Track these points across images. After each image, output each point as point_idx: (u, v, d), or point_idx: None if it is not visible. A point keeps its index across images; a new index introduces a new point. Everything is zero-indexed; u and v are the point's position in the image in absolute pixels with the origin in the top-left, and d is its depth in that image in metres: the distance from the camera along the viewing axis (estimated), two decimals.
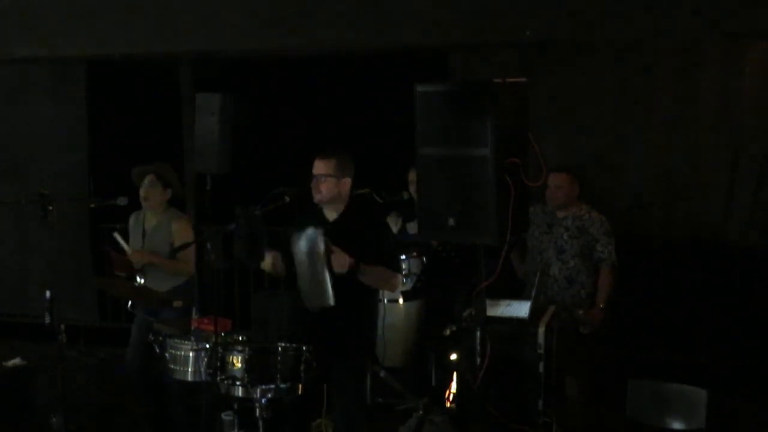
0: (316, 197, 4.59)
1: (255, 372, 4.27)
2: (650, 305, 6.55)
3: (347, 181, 4.62)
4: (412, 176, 5.97)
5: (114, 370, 6.98)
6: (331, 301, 4.38)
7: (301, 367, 4.32)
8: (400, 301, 5.80)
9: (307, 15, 6.95)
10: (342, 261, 4.36)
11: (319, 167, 4.57)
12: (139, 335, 5.51)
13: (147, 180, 5.56)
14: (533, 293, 5.23)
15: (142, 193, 5.57)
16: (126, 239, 5.68)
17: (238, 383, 4.29)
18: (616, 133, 6.82)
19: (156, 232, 5.61)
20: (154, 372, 5.27)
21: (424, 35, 6.77)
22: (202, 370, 4.43)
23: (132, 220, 5.78)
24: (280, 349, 4.31)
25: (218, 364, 4.32)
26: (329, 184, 4.57)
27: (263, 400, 4.31)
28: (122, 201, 5.57)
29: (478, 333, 4.06)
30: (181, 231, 5.56)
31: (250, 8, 7.11)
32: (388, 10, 6.76)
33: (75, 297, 7.75)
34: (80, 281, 7.75)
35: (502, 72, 4.00)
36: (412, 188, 5.90)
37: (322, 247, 4.35)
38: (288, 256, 4.53)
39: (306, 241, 4.37)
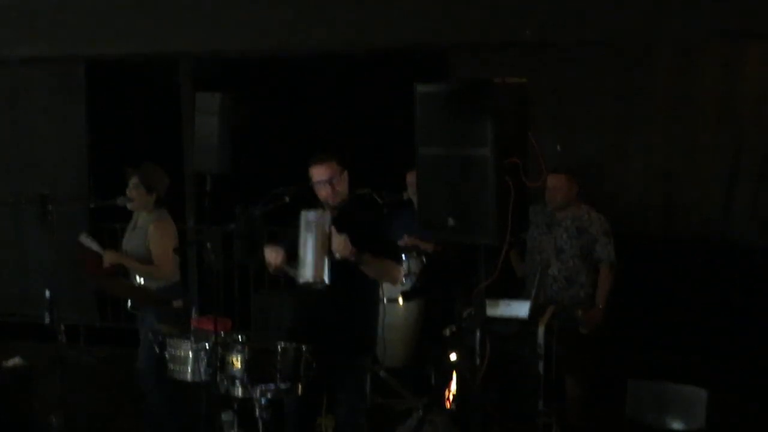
0: (335, 200, 4.55)
1: (255, 372, 4.27)
2: (650, 305, 6.54)
3: (347, 175, 4.63)
4: (410, 178, 5.97)
5: (114, 370, 6.98)
6: (327, 280, 4.33)
7: (301, 367, 4.32)
8: (400, 301, 5.80)
9: (307, 15, 6.95)
10: (343, 244, 4.32)
11: (324, 172, 4.53)
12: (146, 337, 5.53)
13: (131, 182, 5.57)
14: (533, 293, 5.24)
15: (127, 193, 5.58)
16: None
17: (238, 383, 4.29)
18: (616, 133, 6.81)
19: (137, 231, 5.61)
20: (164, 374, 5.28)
21: (424, 35, 6.77)
22: (202, 370, 4.43)
23: (131, 221, 5.79)
24: (280, 349, 4.30)
25: (218, 364, 4.32)
26: (341, 183, 4.57)
27: (263, 400, 4.31)
28: (122, 201, 5.58)
29: (478, 333, 4.06)
30: (156, 235, 5.48)
31: (249, 8, 7.10)
32: (389, 10, 6.76)
33: (75, 297, 7.74)
34: (80, 281, 7.72)
35: (502, 72, 3.99)
36: (411, 190, 5.90)
37: (327, 227, 4.34)
38: (289, 252, 4.51)
39: (314, 216, 4.35)
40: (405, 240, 5.91)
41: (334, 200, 4.55)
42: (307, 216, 4.37)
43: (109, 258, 5.48)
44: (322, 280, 4.33)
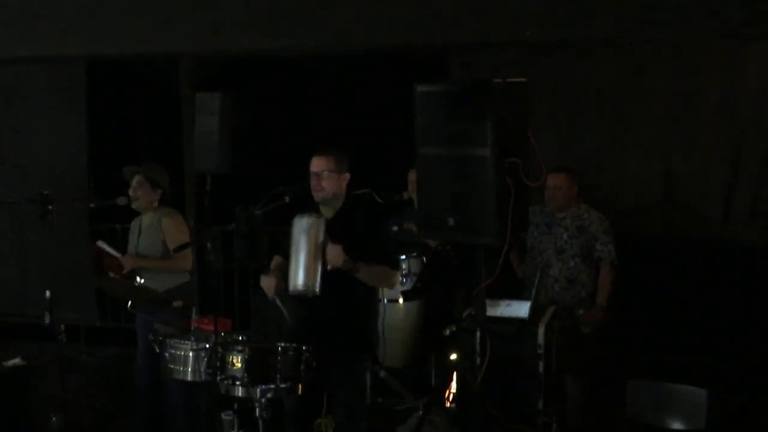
0: (318, 195, 4.55)
1: (255, 372, 4.27)
2: (650, 305, 6.55)
3: (346, 177, 4.61)
4: (411, 176, 5.97)
5: (114, 370, 6.99)
6: (317, 290, 4.33)
7: (301, 367, 4.32)
8: (400, 301, 5.80)
9: (306, 15, 6.94)
10: (337, 254, 4.33)
11: (319, 164, 4.54)
12: (144, 338, 5.52)
13: (135, 181, 5.60)
14: (533, 293, 5.24)
15: (130, 192, 5.59)
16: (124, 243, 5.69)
17: (238, 383, 4.29)
18: (615, 133, 6.82)
19: (148, 231, 5.64)
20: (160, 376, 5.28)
21: (424, 35, 6.76)
22: (202, 370, 4.43)
23: (132, 224, 5.81)
24: (280, 349, 4.30)
25: (218, 364, 4.32)
26: (331, 180, 4.55)
27: (263, 400, 4.31)
28: (122, 201, 5.59)
29: (478, 333, 4.06)
30: (171, 228, 5.58)
31: (250, 8, 7.10)
32: (389, 10, 6.76)
33: (75, 297, 7.75)
34: (80, 281, 7.73)
35: (502, 72, 3.99)
36: (412, 188, 5.90)
37: (321, 235, 4.33)
38: (287, 256, 4.51)
39: (308, 223, 4.34)
40: (407, 226, 5.91)
41: (317, 195, 4.54)
42: (300, 223, 4.35)
43: (128, 263, 5.51)
44: (313, 290, 4.33)
